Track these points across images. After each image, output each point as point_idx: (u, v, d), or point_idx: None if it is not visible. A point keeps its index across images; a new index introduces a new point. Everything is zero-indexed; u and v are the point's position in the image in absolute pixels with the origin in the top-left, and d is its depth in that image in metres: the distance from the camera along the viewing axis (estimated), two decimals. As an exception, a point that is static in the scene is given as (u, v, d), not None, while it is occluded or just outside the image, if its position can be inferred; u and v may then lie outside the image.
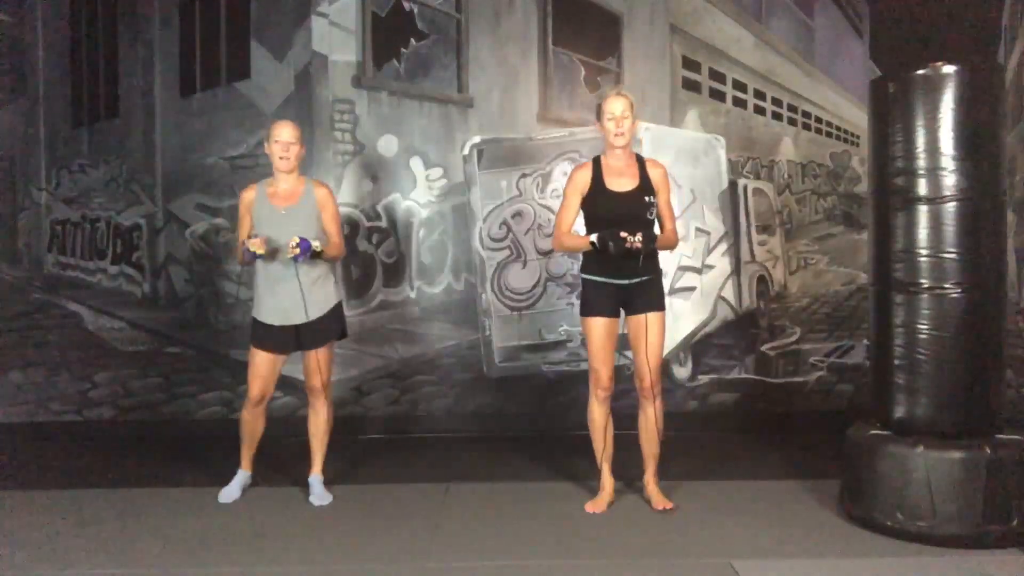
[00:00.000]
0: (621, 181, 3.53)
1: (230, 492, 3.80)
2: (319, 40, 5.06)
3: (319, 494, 3.79)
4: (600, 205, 3.52)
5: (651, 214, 3.52)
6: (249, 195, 3.76)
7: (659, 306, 3.56)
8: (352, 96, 5.08)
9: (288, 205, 3.70)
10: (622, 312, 3.59)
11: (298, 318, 3.69)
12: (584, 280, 3.60)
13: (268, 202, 3.71)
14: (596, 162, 3.59)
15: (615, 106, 3.48)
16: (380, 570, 3.04)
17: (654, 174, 3.56)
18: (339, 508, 3.70)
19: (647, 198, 3.50)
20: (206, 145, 5.12)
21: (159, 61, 5.27)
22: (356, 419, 5.11)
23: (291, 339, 3.73)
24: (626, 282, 3.51)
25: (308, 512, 3.66)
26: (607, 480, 3.67)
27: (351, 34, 5.08)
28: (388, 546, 3.23)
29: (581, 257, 3.66)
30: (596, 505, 3.62)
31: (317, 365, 3.76)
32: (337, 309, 3.82)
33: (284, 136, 3.71)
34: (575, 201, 3.57)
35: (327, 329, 3.77)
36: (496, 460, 4.49)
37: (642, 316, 3.53)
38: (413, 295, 5.18)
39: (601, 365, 3.58)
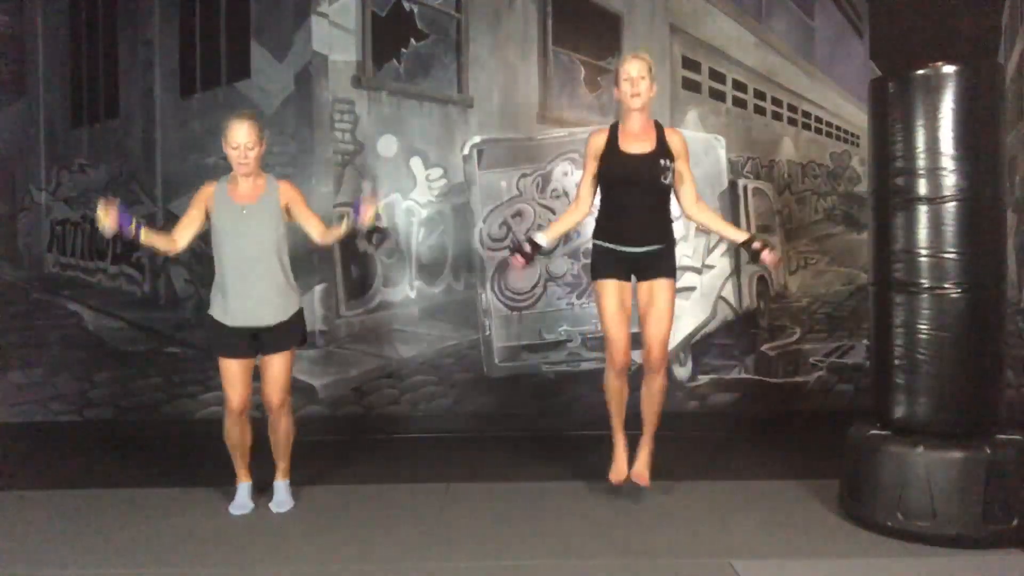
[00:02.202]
0: (637, 144, 3.50)
1: (242, 504, 3.67)
2: (319, 40, 5.06)
3: (280, 500, 3.69)
4: (615, 167, 3.51)
5: (666, 178, 3.50)
6: (209, 189, 3.60)
7: (668, 273, 3.54)
8: (352, 96, 5.08)
9: (249, 203, 3.54)
10: (633, 280, 3.57)
11: (260, 320, 3.55)
12: (594, 245, 3.61)
13: (228, 198, 3.56)
14: (613, 127, 3.59)
15: (631, 67, 3.45)
16: (380, 570, 3.04)
17: (672, 139, 3.54)
18: (339, 508, 3.70)
19: (663, 161, 3.48)
20: (206, 145, 5.11)
21: (159, 61, 5.28)
22: (356, 419, 5.11)
23: (251, 344, 3.58)
24: (636, 250, 3.50)
25: (308, 512, 3.65)
26: (620, 448, 3.66)
27: (351, 34, 5.08)
28: (388, 546, 3.23)
29: (594, 224, 3.65)
30: (617, 473, 3.63)
31: (275, 379, 3.61)
32: (298, 316, 3.67)
33: (241, 139, 3.46)
34: (592, 165, 3.57)
35: (287, 335, 3.62)
36: (496, 460, 4.48)
37: (650, 283, 3.52)
38: (413, 295, 5.18)
39: (614, 330, 3.52)
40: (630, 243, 3.50)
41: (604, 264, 3.56)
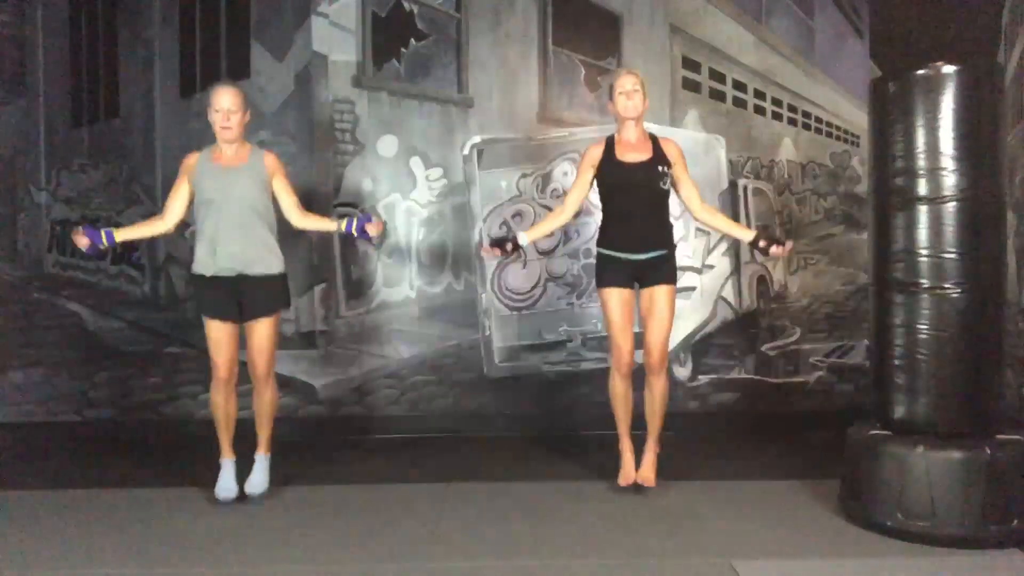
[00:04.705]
0: (634, 154, 3.63)
1: (228, 487, 3.69)
2: (319, 40, 5.06)
3: (255, 482, 3.70)
4: (613, 175, 3.64)
5: (665, 184, 3.63)
6: (192, 159, 3.64)
7: (669, 279, 3.66)
8: (352, 96, 5.08)
9: (233, 167, 3.57)
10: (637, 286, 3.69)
11: (244, 266, 3.55)
12: (599, 254, 3.73)
13: (211, 164, 3.58)
14: (609, 139, 3.71)
15: (626, 81, 3.62)
16: (380, 570, 3.04)
17: (667, 147, 3.67)
18: (339, 508, 3.70)
19: (660, 168, 3.61)
20: (206, 145, 5.09)
21: (159, 61, 5.27)
22: (356, 419, 5.11)
23: (234, 304, 3.58)
24: (639, 257, 3.62)
25: (308, 512, 3.65)
26: (627, 453, 3.78)
27: (351, 34, 5.08)
28: (388, 546, 3.23)
29: (598, 233, 3.78)
30: (624, 478, 3.74)
31: (260, 346, 3.63)
32: (282, 279, 3.67)
33: (224, 103, 3.50)
34: (587, 175, 3.69)
35: (269, 297, 3.62)
36: (496, 460, 4.48)
37: (652, 289, 3.65)
38: (413, 295, 5.18)
39: (620, 337, 3.67)
40: (633, 250, 3.62)
41: (608, 272, 3.68)
